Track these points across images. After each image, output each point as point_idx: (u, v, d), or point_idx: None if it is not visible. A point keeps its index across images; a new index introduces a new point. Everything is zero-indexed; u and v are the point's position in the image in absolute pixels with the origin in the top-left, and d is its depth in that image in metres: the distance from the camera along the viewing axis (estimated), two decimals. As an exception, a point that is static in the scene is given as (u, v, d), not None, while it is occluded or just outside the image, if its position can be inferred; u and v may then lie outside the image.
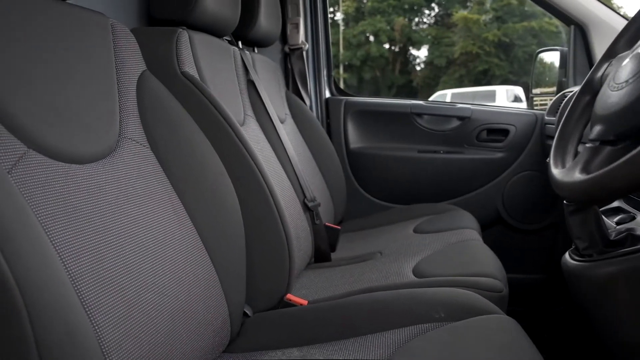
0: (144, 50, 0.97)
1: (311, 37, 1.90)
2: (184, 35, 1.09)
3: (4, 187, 0.52)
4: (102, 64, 0.80)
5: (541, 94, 2.03)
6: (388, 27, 18.36)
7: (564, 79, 1.78)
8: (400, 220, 1.69)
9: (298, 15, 1.83)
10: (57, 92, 0.68)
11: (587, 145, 0.66)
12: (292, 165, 1.41)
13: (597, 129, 0.64)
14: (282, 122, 1.55)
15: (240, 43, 1.52)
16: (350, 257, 1.43)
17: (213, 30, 1.25)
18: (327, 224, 1.49)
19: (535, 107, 2.00)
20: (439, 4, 20.25)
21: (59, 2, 0.75)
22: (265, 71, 1.57)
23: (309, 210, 1.42)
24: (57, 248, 0.56)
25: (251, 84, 1.41)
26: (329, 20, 1.92)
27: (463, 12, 19.06)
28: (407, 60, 20.34)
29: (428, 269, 1.16)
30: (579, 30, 1.68)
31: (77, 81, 0.73)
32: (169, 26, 1.13)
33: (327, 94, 1.97)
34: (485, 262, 1.17)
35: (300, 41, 1.82)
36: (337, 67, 19.13)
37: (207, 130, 0.95)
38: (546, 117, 1.70)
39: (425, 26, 20.22)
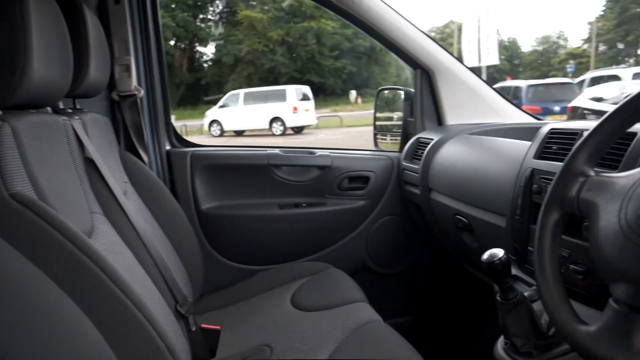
0: None
1: (145, 80, 1.54)
2: (7, 132, 0.72)
3: None
4: None
5: (385, 131, 2.05)
6: (173, 24, 17.54)
7: (410, 119, 1.80)
8: (271, 288, 1.50)
9: (128, 54, 1.47)
10: None
11: (614, 306, 0.57)
12: (156, 265, 1.10)
13: (629, 291, 0.55)
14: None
15: (61, 103, 1.13)
16: (234, 354, 1.19)
17: (41, 102, 0.88)
18: (203, 325, 1.22)
19: (382, 143, 1.99)
20: (223, 2, 20.19)
21: None
22: (98, 134, 1.21)
23: (183, 317, 1.14)
24: None
25: (90, 164, 1.05)
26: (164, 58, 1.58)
27: (247, 11, 19.30)
28: (194, 58, 19.82)
29: None
30: (425, 74, 1.70)
31: None
32: None
33: (168, 146, 1.64)
34: (405, 356, 1.06)
35: (133, 86, 1.47)
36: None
37: (54, 266, 0.69)
38: (403, 163, 1.69)
39: (211, 23, 19.93)
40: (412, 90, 1.77)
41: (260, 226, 1.67)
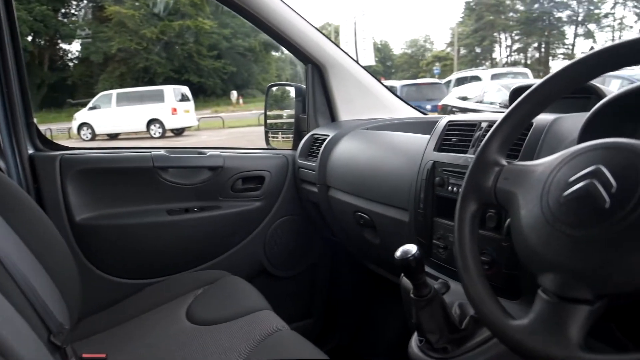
0: None
1: (-2, 73, 1.31)
2: None
3: None
4: None
5: (277, 129, 1.98)
6: (30, 18, 15.90)
7: (302, 115, 1.76)
8: (163, 303, 1.36)
9: (-27, 43, 1.24)
10: None
11: (544, 297, 0.55)
12: (22, 291, 0.93)
13: (558, 281, 0.54)
14: None
15: None
16: None
17: None
18: (85, 355, 1.06)
19: (274, 141, 1.93)
20: (88, -5, 18.80)
21: None
22: None
23: (59, 349, 0.97)
24: None
25: None
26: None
27: (116, 6, 18.11)
28: (57, 55, 18.17)
29: None
30: (317, 69, 1.67)
31: None
32: None
33: (31, 150, 1.42)
34: None
35: (-18, 81, 1.24)
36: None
37: None
38: (299, 161, 1.64)
39: (74, 18, 18.40)
40: (303, 86, 1.73)
41: (147, 235, 1.52)
